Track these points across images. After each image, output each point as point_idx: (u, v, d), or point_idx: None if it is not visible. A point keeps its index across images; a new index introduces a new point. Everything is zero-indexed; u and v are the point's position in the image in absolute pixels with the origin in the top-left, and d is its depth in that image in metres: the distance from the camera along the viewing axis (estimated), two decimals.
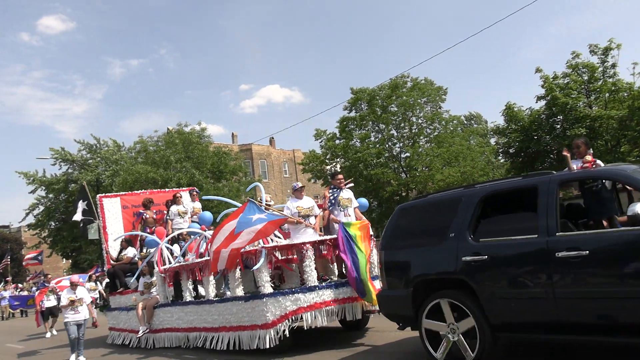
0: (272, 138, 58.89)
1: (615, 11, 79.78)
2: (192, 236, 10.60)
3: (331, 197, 8.79)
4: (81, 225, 12.96)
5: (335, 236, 8.45)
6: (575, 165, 5.94)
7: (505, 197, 6.05)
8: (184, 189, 15.14)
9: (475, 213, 5.95)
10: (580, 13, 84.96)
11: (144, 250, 12.28)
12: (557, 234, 5.18)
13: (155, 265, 10.90)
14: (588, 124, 21.37)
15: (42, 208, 46.88)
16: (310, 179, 35.48)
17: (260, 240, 8.55)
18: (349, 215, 8.83)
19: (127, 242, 12.68)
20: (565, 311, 5.07)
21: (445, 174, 29.60)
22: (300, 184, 9.03)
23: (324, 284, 8.34)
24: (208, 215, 10.18)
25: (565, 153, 6.04)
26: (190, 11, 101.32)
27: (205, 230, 9.92)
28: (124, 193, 13.74)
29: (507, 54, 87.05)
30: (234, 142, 56.89)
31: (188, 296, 10.12)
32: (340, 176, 9.08)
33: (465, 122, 51.06)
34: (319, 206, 9.14)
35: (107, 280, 13.70)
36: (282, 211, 8.93)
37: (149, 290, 11.20)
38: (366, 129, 33.37)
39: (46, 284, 17.62)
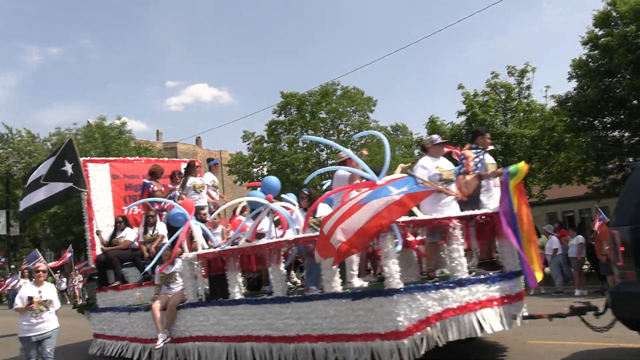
0: (199, 137, 57.08)
1: (531, 37, 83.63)
2: (250, 209, 7.70)
3: (477, 160, 6.44)
4: (57, 193, 9.40)
5: (487, 211, 6.12)
6: None
7: None
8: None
9: None
10: (499, 36, 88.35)
11: (151, 232, 9.23)
12: None
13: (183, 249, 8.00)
14: (503, 140, 22.37)
15: None
16: (236, 181, 34.57)
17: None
18: (498, 186, 6.56)
19: (124, 221, 9.54)
20: None
21: None
22: (440, 139, 6.61)
23: (475, 277, 5.94)
24: (274, 180, 7.38)
25: None
26: (114, 1, 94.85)
27: (271, 201, 7.15)
28: (114, 159, 10.51)
29: (433, 69, 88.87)
30: (159, 140, 54.82)
31: (238, 293, 7.33)
32: (489, 135, 6.75)
33: (392, 132, 51.41)
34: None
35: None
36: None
37: (168, 285, 8.22)
38: (294, 133, 33.32)
39: None
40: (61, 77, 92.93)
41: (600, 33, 18.11)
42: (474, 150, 6.54)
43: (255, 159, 33.71)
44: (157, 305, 7.96)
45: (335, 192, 6.57)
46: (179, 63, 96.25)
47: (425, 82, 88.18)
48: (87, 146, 32.92)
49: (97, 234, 9.53)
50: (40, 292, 6.75)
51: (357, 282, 6.62)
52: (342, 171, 6.71)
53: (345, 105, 33.24)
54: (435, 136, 6.66)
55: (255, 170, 34.38)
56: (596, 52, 18.21)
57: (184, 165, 11.16)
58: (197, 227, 8.08)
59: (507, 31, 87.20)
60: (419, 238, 6.80)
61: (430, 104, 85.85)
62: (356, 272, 6.71)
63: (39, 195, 9.47)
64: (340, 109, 33.01)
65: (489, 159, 6.61)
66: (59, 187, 9.28)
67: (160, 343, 7.92)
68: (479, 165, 6.40)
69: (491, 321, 5.83)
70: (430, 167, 6.27)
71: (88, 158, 9.78)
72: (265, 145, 33.41)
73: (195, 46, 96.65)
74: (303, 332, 6.48)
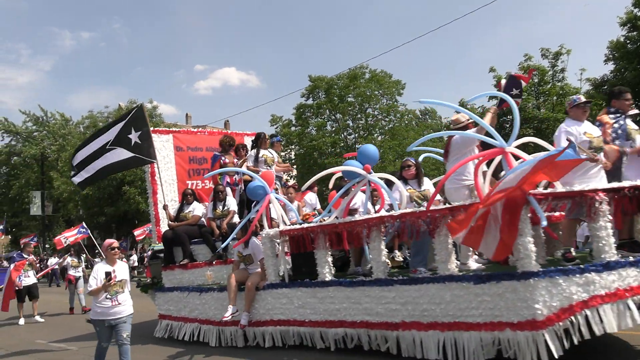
0: (227, 121, 57.43)
1: (565, 19, 79.55)
2: (345, 180, 6.90)
3: (616, 126, 5.58)
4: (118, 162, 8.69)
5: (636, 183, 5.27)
6: None
7: None
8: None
9: None
10: (531, 18, 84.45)
11: (221, 207, 8.58)
12: None
13: (261, 225, 7.35)
14: (535, 124, 22.03)
15: None
16: None
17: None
18: None
19: (193, 195, 8.91)
20: None
21: (397, 167, 29.66)
22: (583, 98, 5.72)
23: (624, 259, 5.11)
24: (372, 149, 6.60)
25: None
26: None
27: (370, 172, 6.39)
28: (177, 130, 9.86)
29: (462, 53, 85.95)
30: (188, 123, 55.71)
31: (328, 273, 6.63)
32: (630, 96, 5.84)
33: (420, 116, 50.83)
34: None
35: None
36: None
37: (246, 265, 7.56)
38: (322, 117, 33.66)
39: (24, 256, 13.23)
40: (92, 61, 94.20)
41: (639, 14, 17.32)
42: (612, 115, 5.66)
43: (283, 143, 33.69)
44: (233, 276, 7.30)
45: (464, 162, 5.73)
46: (208, 47, 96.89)
47: (455, 65, 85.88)
48: None
49: (164, 209, 8.90)
50: (114, 271, 6.03)
51: (474, 264, 5.87)
52: (463, 137, 5.90)
53: (373, 88, 33.15)
54: (575, 96, 5.75)
55: (282, 154, 34.51)
56: (635, 33, 17.47)
57: (246, 139, 10.53)
58: (277, 202, 7.39)
59: (539, 12, 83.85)
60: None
61: (460, 87, 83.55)
62: (471, 253, 5.95)
63: (104, 160, 8.80)
64: (368, 93, 32.98)
65: (631, 124, 5.72)
66: (123, 154, 8.65)
67: (228, 315, 7.25)
68: (619, 132, 5.53)
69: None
70: (576, 132, 5.40)
71: (152, 128, 9.11)
72: (293, 129, 33.67)
73: (223, 30, 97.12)
74: (410, 318, 5.77)
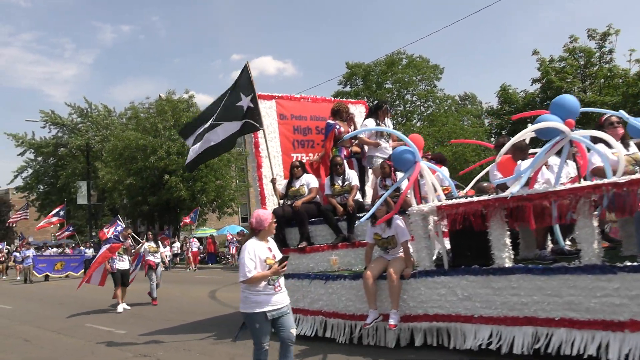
0: None
1: None
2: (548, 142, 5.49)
3: None
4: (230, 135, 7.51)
5: None
6: None
7: None
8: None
9: None
10: None
11: (340, 182, 7.32)
12: None
13: (410, 200, 6.06)
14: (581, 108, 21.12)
15: (30, 171, 45.09)
16: None
17: None
18: None
19: (302, 167, 7.69)
20: None
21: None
22: None
23: None
24: (572, 99, 5.21)
25: None
26: None
27: (573, 129, 5.01)
28: (280, 95, 8.60)
29: (504, 36, 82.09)
30: None
31: (507, 258, 5.31)
32: None
33: (460, 102, 49.24)
34: None
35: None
36: None
37: (386, 250, 6.28)
38: None
39: (121, 239, 12.26)
40: (133, 54, 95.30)
41: None
42: None
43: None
44: (369, 274, 6.05)
45: None
46: (244, 37, 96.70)
47: (496, 49, 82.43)
48: (157, 120, 33.90)
49: (272, 183, 7.68)
50: (270, 249, 4.83)
51: None
52: None
53: (411, 74, 32.56)
54: None
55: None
56: None
57: (353, 108, 9.26)
58: (429, 171, 6.08)
59: None
60: None
61: (501, 72, 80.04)
62: None
63: (210, 139, 7.63)
64: (406, 79, 32.37)
65: None
66: (233, 127, 7.47)
67: (370, 322, 6.08)
68: None
69: None
70: None
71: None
72: None
73: (259, 19, 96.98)
74: None
